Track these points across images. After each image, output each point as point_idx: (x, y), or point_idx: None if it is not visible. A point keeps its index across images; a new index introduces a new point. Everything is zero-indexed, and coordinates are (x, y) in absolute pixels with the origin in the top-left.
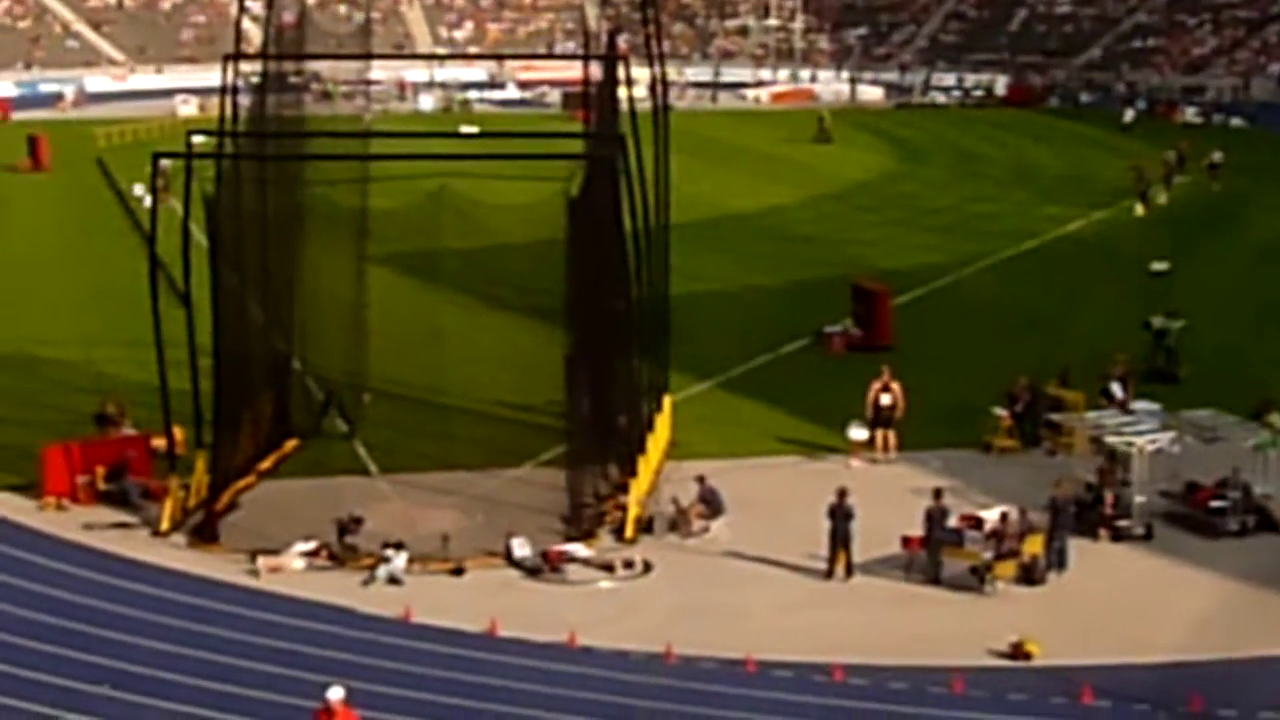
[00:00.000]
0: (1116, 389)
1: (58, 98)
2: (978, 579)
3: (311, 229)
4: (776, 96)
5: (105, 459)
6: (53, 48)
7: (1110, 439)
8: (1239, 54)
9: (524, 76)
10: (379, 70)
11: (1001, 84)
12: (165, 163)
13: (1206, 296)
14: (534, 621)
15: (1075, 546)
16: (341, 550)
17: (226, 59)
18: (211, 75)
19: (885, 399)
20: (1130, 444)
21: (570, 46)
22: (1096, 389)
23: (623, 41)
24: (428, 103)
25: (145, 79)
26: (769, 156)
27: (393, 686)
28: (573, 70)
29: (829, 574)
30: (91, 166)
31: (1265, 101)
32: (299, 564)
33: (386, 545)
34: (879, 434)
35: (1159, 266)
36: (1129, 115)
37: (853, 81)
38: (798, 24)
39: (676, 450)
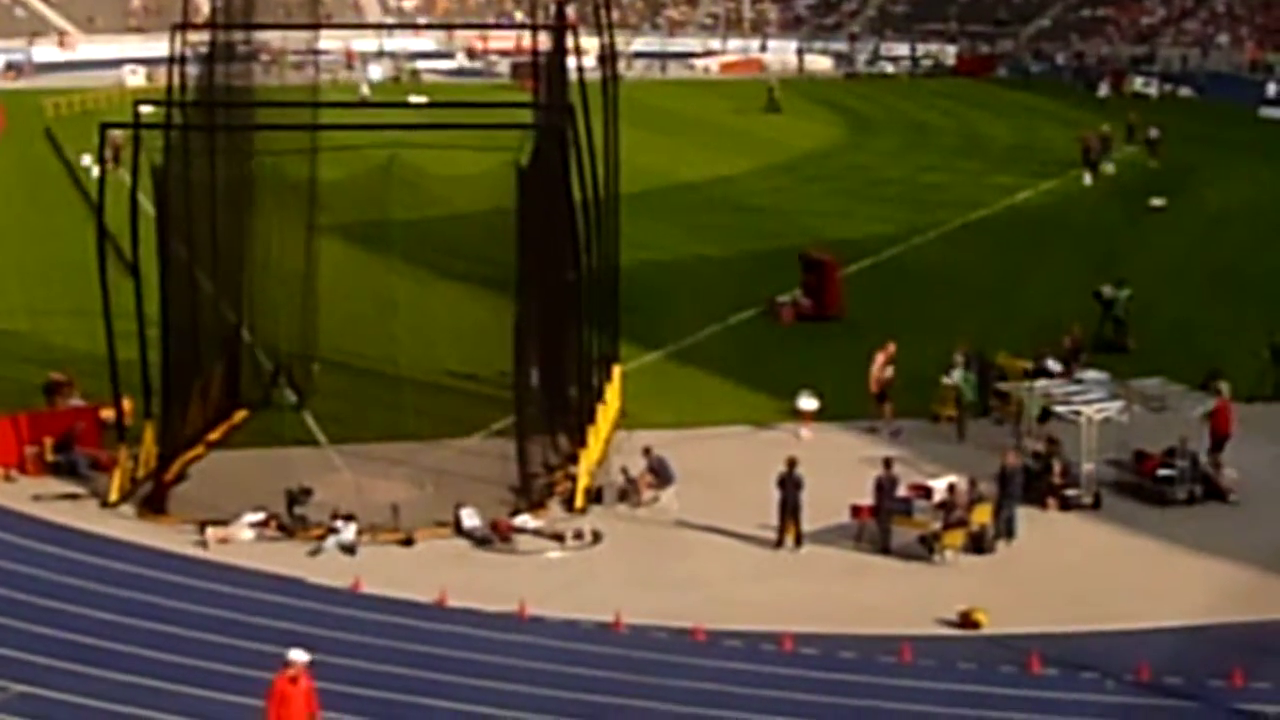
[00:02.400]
0: (1053, 364)
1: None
2: (927, 548)
3: (261, 199)
4: (726, 66)
5: (54, 430)
6: (0, 17)
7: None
8: (1187, 24)
9: (473, 46)
10: (327, 40)
11: (950, 54)
12: (114, 133)
13: (1156, 266)
14: (484, 592)
15: (1024, 515)
16: (291, 521)
17: (175, 29)
18: (160, 45)
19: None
20: (1078, 413)
21: (519, 16)
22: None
23: (571, 11)
24: (376, 72)
25: (93, 49)
26: (719, 127)
27: (342, 657)
28: (522, 40)
29: (778, 543)
30: (40, 137)
31: (1215, 71)
32: (248, 535)
33: (336, 516)
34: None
35: (1157, 203)
36: (1104, 89)
37: (800, 52)
38: None
39: (626, 420)
